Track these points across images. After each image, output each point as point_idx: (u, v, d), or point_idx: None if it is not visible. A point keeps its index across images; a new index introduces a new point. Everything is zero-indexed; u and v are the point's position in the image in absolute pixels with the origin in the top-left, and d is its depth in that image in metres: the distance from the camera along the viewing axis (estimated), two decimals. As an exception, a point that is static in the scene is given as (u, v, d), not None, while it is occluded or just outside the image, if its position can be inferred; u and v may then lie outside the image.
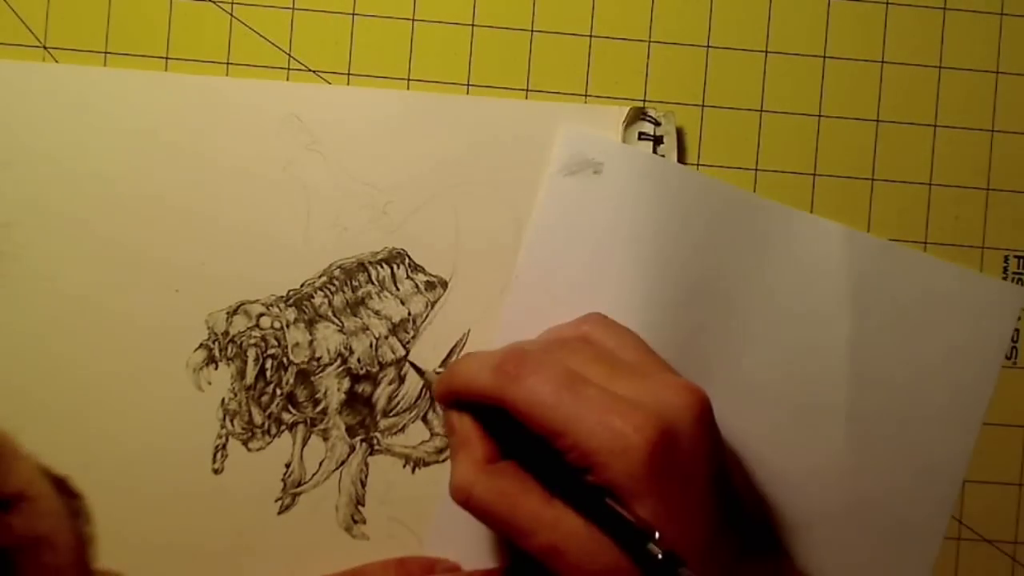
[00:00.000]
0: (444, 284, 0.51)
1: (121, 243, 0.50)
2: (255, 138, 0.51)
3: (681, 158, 0.53)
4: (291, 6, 0.52)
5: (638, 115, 0.52)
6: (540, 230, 0.51)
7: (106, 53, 0.51)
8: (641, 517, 0.40)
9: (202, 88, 0.51)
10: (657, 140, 0.52)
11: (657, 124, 0.52)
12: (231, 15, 0.52)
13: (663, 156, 0.52)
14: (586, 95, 0.53)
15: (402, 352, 0.51)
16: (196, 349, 0.50)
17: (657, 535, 0.40)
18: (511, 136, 0.51)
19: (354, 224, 0.51)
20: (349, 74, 0.52)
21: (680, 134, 0.53)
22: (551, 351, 0.45)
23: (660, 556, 0.39)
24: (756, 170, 0.53)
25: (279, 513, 0.51)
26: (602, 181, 0.51)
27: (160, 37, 0.52)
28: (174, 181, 0.50)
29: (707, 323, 0.51)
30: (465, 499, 0.44)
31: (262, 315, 0.50)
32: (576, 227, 0.51)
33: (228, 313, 0.50)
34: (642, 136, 0.52)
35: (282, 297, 0.51)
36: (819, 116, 0.53)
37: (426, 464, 0.51)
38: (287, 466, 0.51)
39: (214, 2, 0.52)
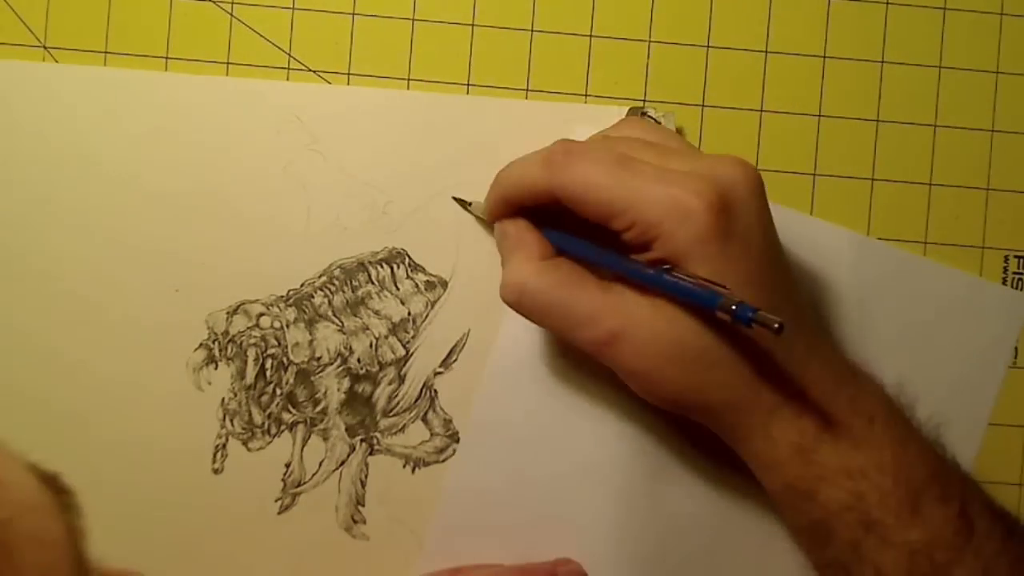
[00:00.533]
0: (444, 284, 0.51)
1: (121, 242, 0.51)
2: (255, 138, 0.51)
3: (680, 158, 0.53)
4: (291, 6, 0.52)
5: (638, 115, 0.52)
6: None
7: (106, 53, 0.52)
8: (707, 279, 0.41)
9: (202, 88, 0.51)
10: None
11: (657, 123, 0.52)
12: (231, 15, 0.52)
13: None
14: (586, 95, 0.53)
15: (402, 352, 0.51)
16: (196, 349, 0.51)
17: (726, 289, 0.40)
18: (511, 136, 0.51)
19: (354, 224, 0.51)
20: (349, 74, 0.52)
21: (679, 134, 0.53)
22: (599, 141, 0.46)
23: (734, 307, 0.39)
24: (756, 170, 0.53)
25: (279, 513, 0.51)
26: None
27: (160, 37, 0.52)
28: (174, 181, 0.51)
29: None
30: (519, 294, 0.44)
31: (262, 315, 0.51)
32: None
33: (228, 313, 0.51)
34: (641, 135, 0.52)
35: (282, 297, 0.51)
36: (819, 116, 0.54)
37: (426, 464, 0.51)
38: (287, 466, 0.51)
39: (214, 2, 0.52)
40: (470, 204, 0.51)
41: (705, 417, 0.44)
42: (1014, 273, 0.54)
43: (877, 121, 0.54)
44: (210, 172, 0.51)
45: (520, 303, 0.44)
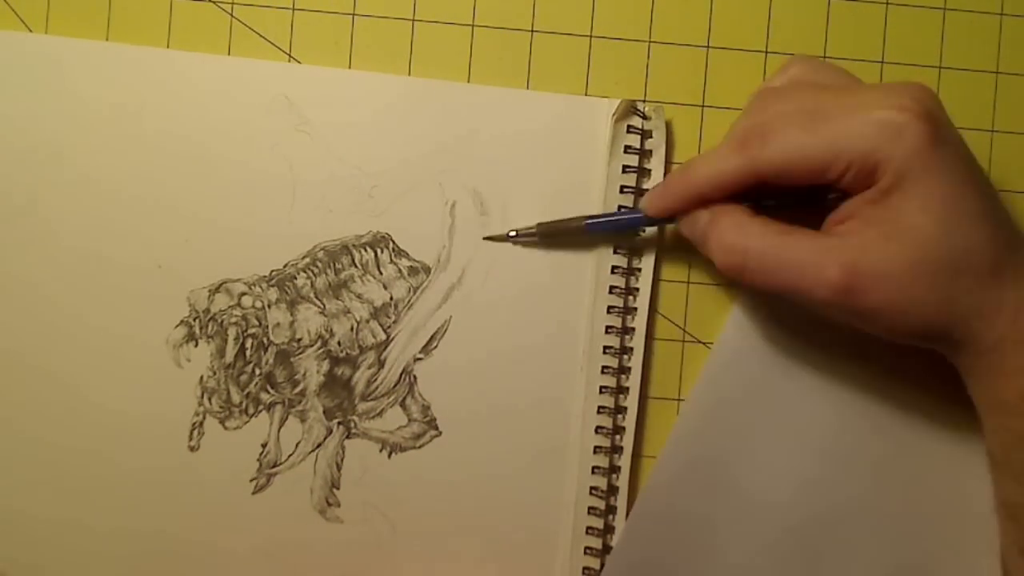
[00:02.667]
0: (427, 270, 0.52)
1: (105, 217, 0.52)
2: (243, 117, 0.52)
3: (670, 153, 0.53)
4: (291, 6, 0.53)
5: (629, 109, 0.53)
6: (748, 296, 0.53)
7: (107, 53, 0.53)
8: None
9: (190, 65, 0.52)
10: (646, 134, 0.53)
11: (647, 118, 0.53)
12: (231, 15, 0.53)
13: (651, 150, 0.53)
14: (586, 95, 0.54)
15: (383, 337, 0.52)
16: (177, 326, 0.52)
17: None
18: (500, 125, 0.52)
19: (339, 207, 0.52)
20: (349, 74, 0.53)
21: (670, 129, 0.53)
22: (773, 109, 0.46)
23: None
24: (755, 170, 0.54)
25: (253, 493, 0.52)
26: None
27: (160, 37, 0.53)
28: (160, 157, 0.52)
29: (904, 389, 0.53)
30: (742, 255, 0.45)
31: (244, 294, 0.52)
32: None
33: (210, 291, 0.52)
34: (631, 129, 0.53)
35: (265, 277, 0.52)
36: (818, 116, 0.54)
37: (403, 449, 0.52)
38: (263, 446, 0.52)
39: (214, 2, 0.53)
40: (515, 233, 0.52)
41: (953, 335, 0.44)
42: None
43: (876, 121, 0.54)
44: (197, 149, 0.52)
45: (745, 265, 0.45)
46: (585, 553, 0.52)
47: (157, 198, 0.52)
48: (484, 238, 0.52)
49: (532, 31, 0.54)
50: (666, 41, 0.54)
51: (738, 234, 0.45)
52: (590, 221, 0.51)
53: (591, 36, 0.54)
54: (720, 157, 0.46)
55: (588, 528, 0.52)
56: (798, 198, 0.47)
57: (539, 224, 0.51)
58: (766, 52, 0.54)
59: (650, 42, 0.54)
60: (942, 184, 0.42)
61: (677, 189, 0.48)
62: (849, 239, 0.44)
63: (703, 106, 0.54)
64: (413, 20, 0.54)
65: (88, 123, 0.52)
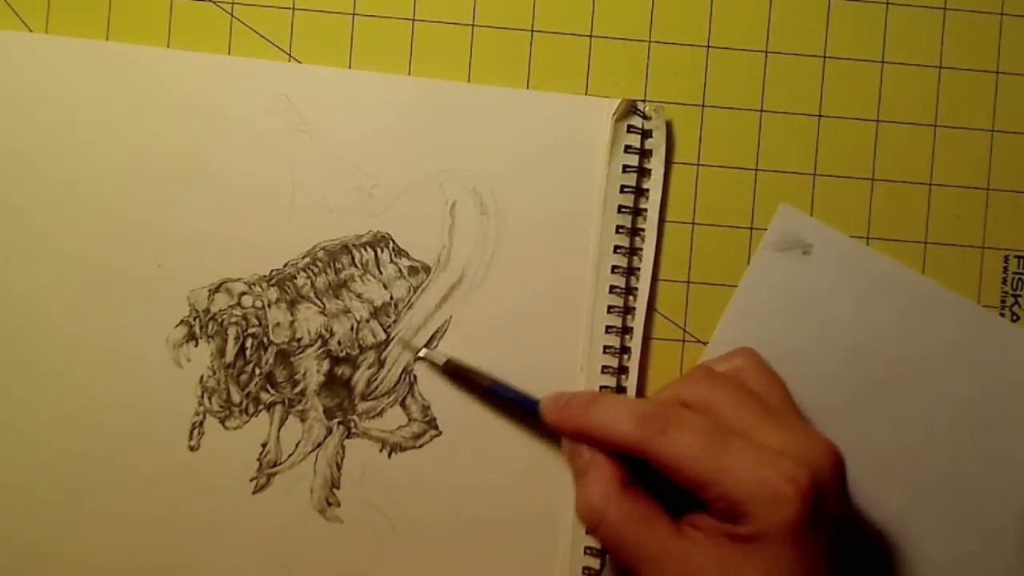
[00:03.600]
0: (427, 270, 0.53)
1: (105, 216, 0.52)
2: (243, 117, 0.53)
3: (670, 154, 0.54)
4: (291, 6, 0.54)
5: (629, 108, 0.53)
6: (744, 296, 0.54)
7: (107, 53, 0.53)
8: None
9: (190, 65, 0.53)
10: (646, 134, 0.53)
11: (647, 118, 0.54)
12: (231, 15, 0.54)
13: (651, 150, 0.54)
14: (586, 95, 0.54)
15: (383, 336, 0.52)
16: (177, 325, 0.52)
17: None
18: (500, 124, 0.53)
19: (339, 206, 0.52)
20: (349, 74, 0.54)
21: (670, 129, 0.54)
22: (701, 391, 0.48)
23: None
24: (756, 170, 0.54)
25: (254, 493, 0.52)
26: (810, 262, 0.54)
27: (160, 37, 0.54)
28: (161, 156, 0.52)
29: (889, 415, 0.54)
30: (598, 521, 0.47)
31: (244, 294, 0.52)
32: (778, 299, 0.54)
33: (210, 290, 0.52)
34: (631, 129, 0.53)
35: (265, 276, 0.52)
36: (819, 116, 0.55)
37: (403, 449, 0.52)
38: (263, 446, 0.52)
39: (214, 2, 0.54)
40: (423, 355, 0.53)
41: None
42: (1014, 273, 0.54)
43: (877, 121, 0.55)
44: (197, 149, 0.52)
45: (598, 531, 0.47)
46: (585, 553, 0.52)
47: (157, 198, 0.52)
48: (398, 339, 0.53)
49: (532, 31, 0.54)
50: (666, 41, 0.55)
51: (601, 499, 0.47)
52: (493, 385, 0.52)
53: (591, 36, 0.55)
54: (621, 417, 0.47)
55: (588, 528, 0.52)
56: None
57: (448, 360, 0.52)
58: (766, 52, 0.55)
59: (650, 42, 0.55)
60: (791, 564, 0.43)
61: (575, 417, 0.49)
62: (691, 551, 0.45)
63: (703, 106, 0.55)
64: (413, 20, 0.54)
65: (88, 122, 0.52)
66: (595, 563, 0.52)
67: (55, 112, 0.52)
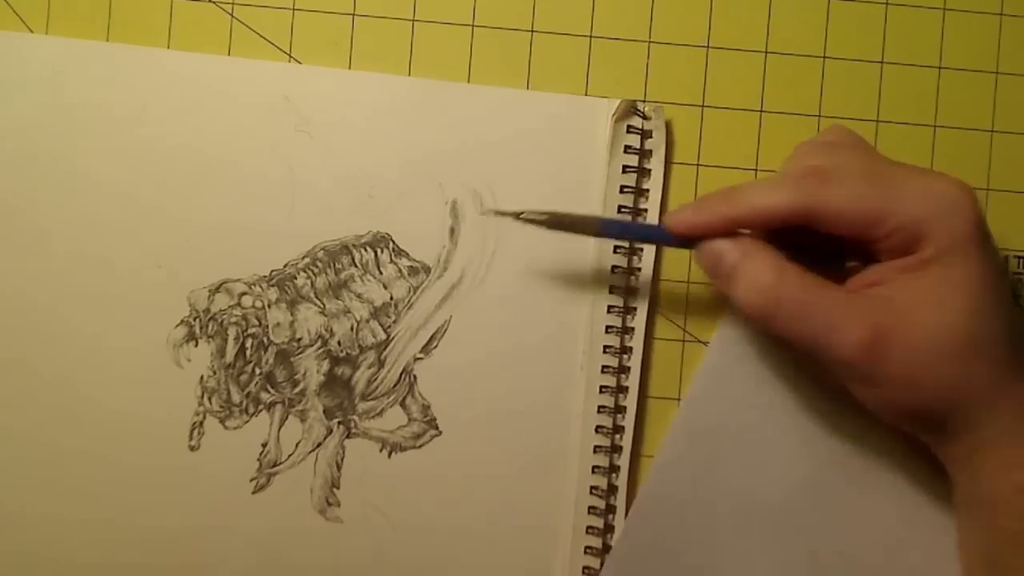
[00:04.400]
0: (427, 270, 0.53)
1: (104, 217, 0.53)
2: (243, 117, 0.53)
3: (669, 154, 0.55)
4: (291, 6, 0.54)
5: (629, 109, 0.54)
6: None
7: (107, 52, 0.54)
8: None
9: (191, 66, 0.53)
10: (646, 134, 0.54)
11: (647, 118, 0.54)
12: (231, 15, 0.54)
13: (650, 150, 0.54)
14: (586, 95, 0.55)
15: (383, 336, 0.53)
16: (177, 325, 0.53)
17: None
18: (500, 125, 0.53)
19: (339, 207, 0.53)
20: (349, 74, 0.54)
21: (670, 129, 0.55)
22: (819, 158, 0.47)
23: None
24: (756, 170, 0.55)
25: (254, 493, 0.52)
26: None
27: (161, 37, 0.54)
28: (160, 157, 0.53)
29: None
30: (776, 301, 0.45)
31: (244, 294, 0.53)
32: None
33: (210, 291, 0.53)
34: (631, 129, 0.54)
35: (265, 277, 0.53)
36: (819, 116, 0.55)
37: (403, 449, 0.53)
38: (263, 446, 0.53)
39: (214, 2, 0.54)
40: (520, 214, 0.50)
41: (954, 420, 0.45)
42: (1014, 273, 0.55)
43: (877, 121, 0.55)
44: (197, 150, 0.53)
45: (776, 311, 0.45)
46: (585, 553, 0.53)
47: (157, 198, 0.53)
48: (495, 212, 0.53)
49: (532, 31, 0.55)
50: (666, 41, 0.55)
51: (775, 277, 0.45)
52: (605, 224, 0.51)
53: (591, 36, 0.55)
54: (774, 188, 0.46)
55: (588, 527, 0.53)
56: (823, 254, 0.47)
57: (551, 213, 0.49)
58: (766, 52, 0.55)
59: (650, 42, 0.55)
60: (981, 268, 0.44)
61: (717, 209, 0.47)
62: (879, 302, 0.44)
63: (703, 106, 0.55)
64: (413, 20, 0.55)
65: (88, 123, 0.53)
66: (595, 562, 0.53)
67: (56, 112, 0.53)
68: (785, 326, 0.45)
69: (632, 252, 0.54)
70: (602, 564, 0.53)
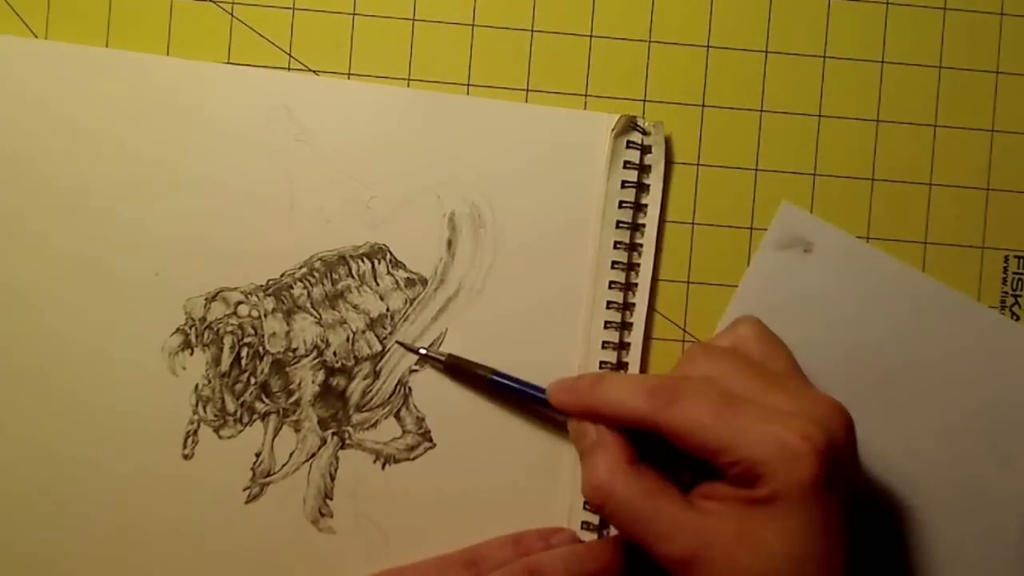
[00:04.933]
0: (424, 281, 0.54)
1: (102, 224, 0.53)
2: (242, 126, 0.54)
3: (668, 169, 0.55)
4: (291, 6, 0.55)
5: (629, 124, 0.54)
6: (745, 294, 0.55)
7: (107, 53, 0.55)
8: None
9: (190, 73, 0.54)
10: (645, 149, 0.54)
11: (646, 134, 0.54)
12: (231, 15, 0.55)
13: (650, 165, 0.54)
14: (586, 95, 0.55)
15: (379, 347, 0.53)
16: (172, 333, 0.53)
17: None
18: (500, 138, 0.54)
19: (337, 217, 0.54)
20: (349, 74, 0.55)
21: (669, 144, 0.55)
22: (701, 368, 0.48)
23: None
24: (756, 170, 0.55)
25: (247, 502, 0.53)
26: (810, 260, 0.55)
27: (160, 37, 0.55)
28: (158, 165, 0.53)
29: (890, 413, 0.55)
30: (604, 498, 0.46)
31: (240, 303, 0.53)
32: (779, 298, 0.55)
33: (207, 299, 0.53)
34: (631, 144, 0.54)
35: (261, 286, 0.53)
36: (819, 116, 0.55)
37: (396, 461, 0.53)
38: (257, 455, 0.53)
39: (214, 2, 0.55)
40: (424, 352, 0.53)
41: None
42: (1014, 273, 0.55)
43: (877, 121, 0.55)
44: (196, 157, 0.53)
45: (605, 508, 0.46)
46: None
47: (155, 206, 0.53)
48: (396, 342, 0.54)
49: (532, 31, 0.55)
50: (666, 41, 0.56)
51: (608, 474, 0.46)
52: (494, 377, 0.52)
53: (591, 36, 0.55)
54: (630, 393, 0.47)
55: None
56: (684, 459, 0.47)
57: (448, 355, 0.53)
58: (766, 52, 0.55)
59: (650, 42, 0.56)
60: (809, 523, 0.43)
61: (582, 397, 0.49)
62: (706, 523, 0.45)
63: (703, 106, 0.55)
64: (413, 20, 0.55)
65: (87, 129, 0.53)
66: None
67: (54, 118, 0.53)
68: (616, 524, 0.47)
69: (629, 267, 0.54)
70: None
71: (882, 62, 0.55)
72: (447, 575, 0.50)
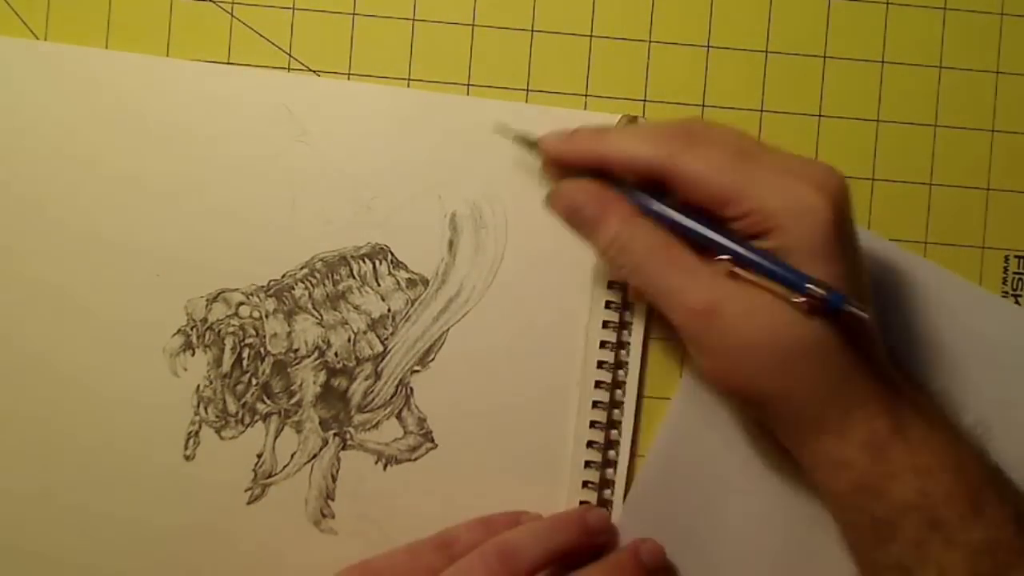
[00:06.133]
0: (425, 282, 0.54)
1: (104, 225, 0.54)
2: (244, 127, 0.54)
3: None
4: (291, 6, 0.56)
5: (629, 122, 0.54)
6: None
7: (107, 53, 0.56)
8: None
9: (191, 74, 0.55)
10: None
11: None
12: (231, 15, 0.56)
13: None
14: (586, 95, 0.56)
15: (380, 348, 0.54)
16: (174, 334, 0.54)
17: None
18: (500, 137, 0.54)
19: (338, 218, 0.54)
20: (349, 74, 0.56)
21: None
22: (712, 126, 0.48)
23: (826, 293, 0.43)
24: (757, 171, 0.56)
25: (248, 503, 0.54)
26: None
27: (160, 37, 0.56)
28: (160, 166, 0.54)
29: None
30: (620, 250, 0.47)
31: (242, 304, 0.54)
32: None
33: (208, 300, 0.54)
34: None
35: (263, 287, 0.54)
36: (819, 116, 0.56)
37: (398, 462, 0.54)
38: (259, 456, 0.54)
39: (214, 2, 0.56)
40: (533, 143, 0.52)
41: (773, 409, 0.47)
42: (1014, 273, 0.56)
43: (877, 121, 0.56)
44: (197, 159, 0.54)
45: (621, 258, 0.47)
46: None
47: (156, 207, 0.54)
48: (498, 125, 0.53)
49: (532, 31, 0.56)
50: (666, 41, 0.56)
51: (623, 227, 0.47)
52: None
53: (591, 36, 0.56)
54: (642, 138, 0.47)
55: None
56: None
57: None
58: (766, 52, 0.56)
59: (650, 42, 0.56)
60: (822, 275, 0.44)
61: (586, 142, 0.49)
62: (720, 277, 0.45)
63: (703, 106, 0.56)
64: (413, 20, 0.56)
65: (86, 132, 0.54)
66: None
67: (53, 121, 0.54)
68: (630, 276, 0.47)
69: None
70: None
71: (882, 62, 0.56)
72: (419, 560, 0.50)
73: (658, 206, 0.48)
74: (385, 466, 0.54)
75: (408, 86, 0.56)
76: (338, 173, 0.54)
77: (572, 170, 0.50)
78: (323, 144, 0.55)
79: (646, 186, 0.48)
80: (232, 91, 0.55)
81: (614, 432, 0.54)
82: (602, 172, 0.49)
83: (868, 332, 0.46)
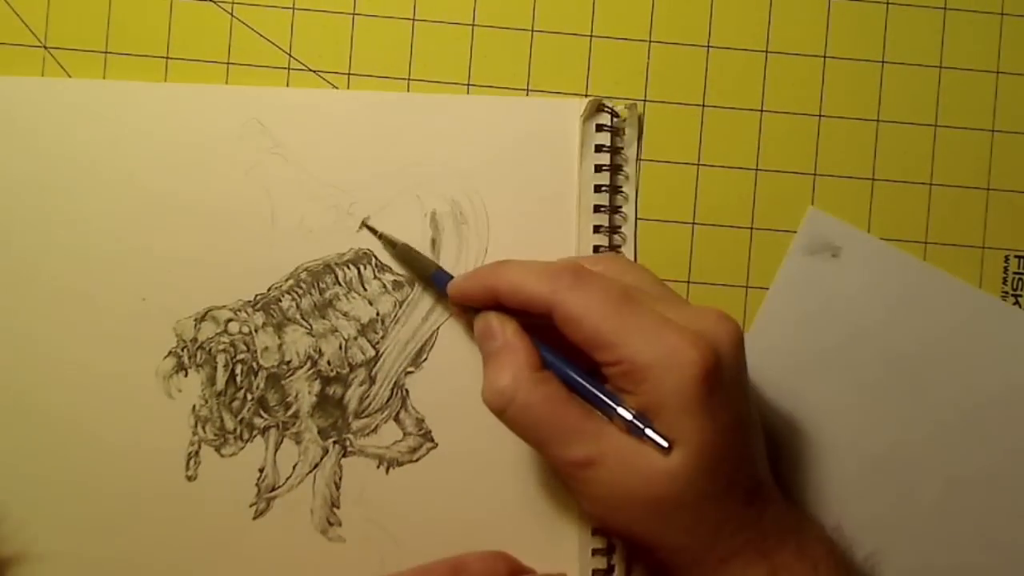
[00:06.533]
0: (412, 283, 0.55)
1: (86, 253, 0.54)
2: (216, 144, 0.54)
3: (640, 148, 0.56)
4: (291, 6, 0.56)
5: (596, 107, 0.55)
6: (774, 299, 0.56)
7: (106, 53, 0.55)
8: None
9: (161, 95, 0.55)
10: (616, 131, 0.55)
11: (617, 116, 0.55)
12: (231, 15, 0.56)
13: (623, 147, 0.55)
14: (586, 95, 0.56)
15: (372, 353, 0.55)
16: (165, 357, 0.54)
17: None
18: (473, 132, 0.55)
19: (319, 226, 0.54)
20: (349, 74, 0.56)
21: (641, 123, 0.56)
22: (605, 266, 0.49)
23: (632, 417, 0.45)
24: (756, 170, 0.56)
25: (254, 518, 0.54)
26: (839, 265, 0.56)
27: (160, 37, 0.55)
28: (137, 189, 0.54)
29: (920, 414, 0.56)
30: (506, 404, 0.47)
31: (230, 320, 0.54)
32: (808, 303, 0.56)
33: (196, 320, 0.54)
34: (601, 128, 0.55)
35: (250, 302, 0.54)
36: (819, 116, 0.56)
37: (400, 464, 0.54)
38: (261, 471, 0.54)
39: (214, 2, 0.55)
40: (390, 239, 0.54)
41: (656, 553, 0.47)
42: (1014, 273, 0.56)
43: (877, 121, 0.56)
44: (172, 179, 0.54)
45: (505, 413, 0.47)
46: (593, 555, 0.54)
47: (136, 230, 0.54)
48: (363, 223, 0.54)
49: (532, 31, 0.56)
50: (666, 41, 0.56)
51: (511, 383, 0.47)
52: (438, 272, 0.53)
53: (591, 36, 0.56)
54: (533, 273, 0.48)
55: (594, 530, 0.54)
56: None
57: (402, 243, 0.54)
58: (766, 52, 0.56)
59: (650, 42, 0.56)
60: (702, 431, 0.44)
61: (484, 278, 0.50)
62: (603, 430, 0.46)
63: (703, 106, 0.56)
64: (413, 20, 0.56)
65: (63, 158, 0.54)
66: (603, 564, 0.54)
67: (32, 149, 0.54)
68: (516, 430, 0.48)
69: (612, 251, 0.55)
70: (610, 566, 0.54)
71: (882, 62, 0.56)
72: None
73: (551, 358, 0.48)
74: (387, 469, 0.54)
75: (408, 86, 0.56)
76: (315, 181, 0.55)
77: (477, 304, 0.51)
78: (297, 154, 0.55)
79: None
80: (201, 109, 0.54)
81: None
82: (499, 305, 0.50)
83: (744, 479, 0.46)
